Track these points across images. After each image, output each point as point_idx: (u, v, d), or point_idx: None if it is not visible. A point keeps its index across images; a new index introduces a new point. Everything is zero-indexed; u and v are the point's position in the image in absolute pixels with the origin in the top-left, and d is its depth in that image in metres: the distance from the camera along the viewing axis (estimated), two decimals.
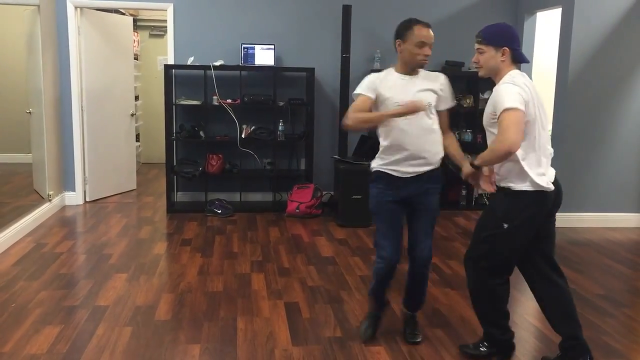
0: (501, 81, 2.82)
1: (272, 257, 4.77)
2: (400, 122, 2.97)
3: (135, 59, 8.61)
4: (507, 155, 2.65)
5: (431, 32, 3.03)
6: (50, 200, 5.94)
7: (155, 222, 5.86)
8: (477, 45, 2.87)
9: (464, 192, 6.70)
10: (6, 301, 3.70)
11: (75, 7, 6.19)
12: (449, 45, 6.66)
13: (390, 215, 3.08)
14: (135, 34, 8.83)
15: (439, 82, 3.10)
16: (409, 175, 3.03)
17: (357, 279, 4.27)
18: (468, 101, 6.51)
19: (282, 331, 3.37)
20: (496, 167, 2.83)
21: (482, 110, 6.69)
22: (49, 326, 3.35)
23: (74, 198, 6.45)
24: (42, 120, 5.77)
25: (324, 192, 6.34)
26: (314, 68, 6.25)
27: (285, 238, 5.32)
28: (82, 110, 6.39)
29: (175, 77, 6.36)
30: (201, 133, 6.28)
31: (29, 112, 5.74)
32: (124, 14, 7.83)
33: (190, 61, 6.21)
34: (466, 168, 2.89)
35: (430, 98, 3.03)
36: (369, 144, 6.27)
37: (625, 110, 5.90)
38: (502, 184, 2.84)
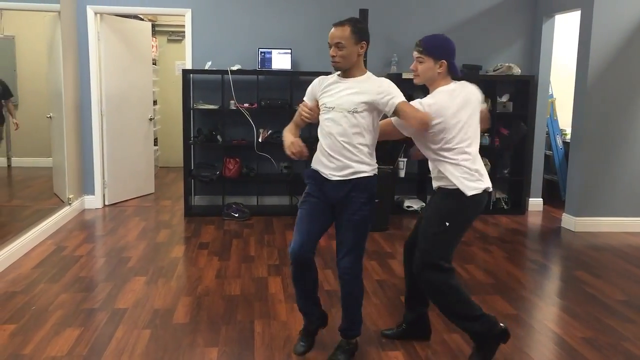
0: (437, 91, 2.95)
1: (288, 260, 4.75)
2: (323, 124, 2.93)
3: (154, 64, 8.69)
4: None
5: (338, 31, 2.82)
6: (70, 204, 6.01)
7: (173, 225, 5.90)
8: (416, 54, 2.94)
9: None
10: (27, 304, 3.75)
11: (95, 13, 6.27)
12: (467, 49, 6.64)
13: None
14: (154, 39, 8.92)
15: (377, 86, 2.86)
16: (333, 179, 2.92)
17: (374, 283, 4.26)
18: (486, 105, 6.46)
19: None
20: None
21: (500, 114, 6.66)
22: (69, 328, 3.39)
23: (93, 201, 6.52)
24: (62, 124, 5.85)
25: None
26: (329, 72, 6.24)
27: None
28: (101, 114, 6.47)
29: (193, 82, 6.41)
30: (218, 137, 6.32)
31: (50, 117, 5.82)
32: (142, 19, 7.91)
33: (207, 66, 6.26)
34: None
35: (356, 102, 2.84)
36: (387, 148, 6.25)
37: None
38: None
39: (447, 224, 2.91)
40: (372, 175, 2.95)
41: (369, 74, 2.93)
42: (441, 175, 2.96)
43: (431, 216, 3.02)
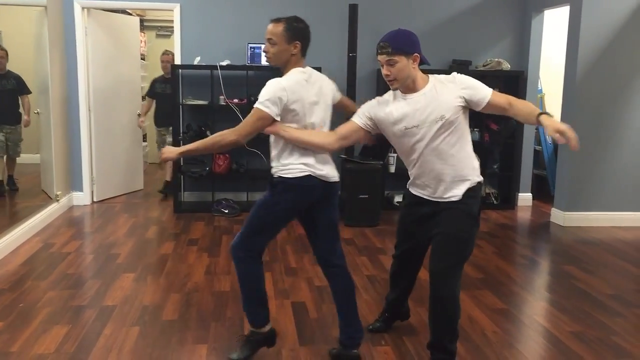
0: (448, 79, 2.76)
1: (279, 256, 4.77)
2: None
3: (142, 59, 8.63)
4: None
5: (271, 27, 2.83)
6: (58, 201, 5.96)
7: (163, 222, 5.86)
8: (386, 57, 2.68)
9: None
10: (14, 301, 3.71)
11: (83, 8, 6.21)
12: (456, 44, 6.66)
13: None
14: (142, 34, 8.85)
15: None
16: None
17: (365, 278, 4.26)
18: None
19: (289, 331, 3.36)
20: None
21: None
22: (57, 326, 3.36)
23: (81, 198, 6.47)
24: (49, 120, 5.79)
25: None
26: (320, 67, 6.21)
27: (292, 238, 5.31)
28: (89, 110, 6.41)
29: (182, 77, 6.37)
30: (208, 133, 6.28)
31: (37, 113, 5.76)
32: (130, 14, 7.85)
33: (196, 61, 6.22)
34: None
35: None
36: (376, 143, 6.25)
37: (634, 108, 5.86)
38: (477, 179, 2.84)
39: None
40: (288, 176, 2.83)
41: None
42: (459, 178, 2.78)
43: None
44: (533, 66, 6.69)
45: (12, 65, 5.37)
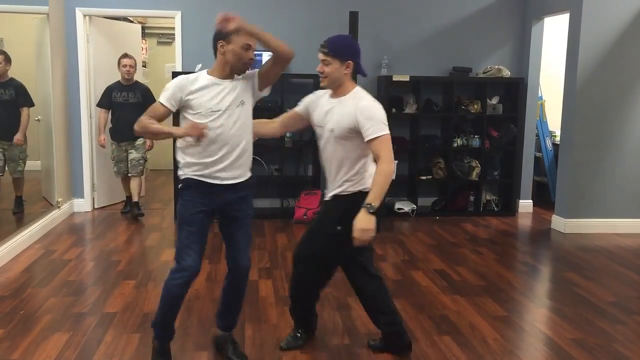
0: (361, 98, 2.89)
1: (279, 263, 4.77)
2: None
3: (144, 66, 8.66)
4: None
5: None
6: (59, 207, 5.97)
7: (163, 228, 5.87)
8: (322, 56, 2.89)
9: (471, 198, 6.68)
10: (15, 308, 3.71)
11: (84, 16, 6.24)
12: (457, 51, 6.68)
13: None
14: (144, 41, 8.88)
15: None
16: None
17: None
18: (476, 107, 6.49)
19: None
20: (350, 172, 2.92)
21: (490, 116, 6.64)
22: (58, 333, 3.36)
23: (82, 205, 6.48)
24: (51, 127, 5.81)
25: None
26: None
27: (292, 245, 5.31)
28: (90, 117, 6.43)
29: None
30: None
31: (38, 120, 5.77)
32: (132, 21, 7.88)
33: (198, 68, 6.23)
34: None
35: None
36: None
37: (634, 115, 5.87)
38: (357, 188, 2.91)
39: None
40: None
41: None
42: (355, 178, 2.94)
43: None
44: (533, 73, 6.70)
45: (13, 73, 5.34)
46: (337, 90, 2.93)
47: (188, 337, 3.35)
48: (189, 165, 2.88)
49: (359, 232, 2.72)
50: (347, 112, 2.85)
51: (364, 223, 2.71)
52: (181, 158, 2.91)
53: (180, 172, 2.94)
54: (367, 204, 2.71)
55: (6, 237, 4.77)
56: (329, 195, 3.02)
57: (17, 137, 5.15)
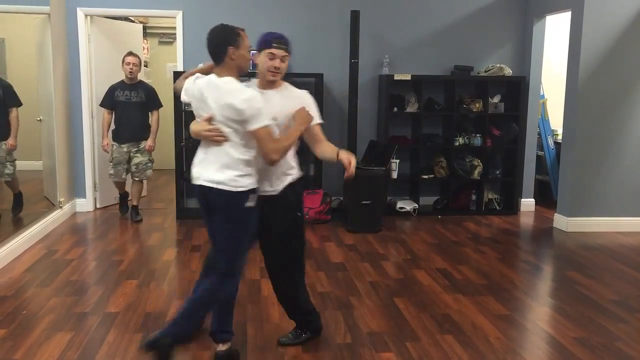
0: (292, 87, 3.08)
1: None
2: None
3: (145, 66, 8.65)
4: None
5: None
6: (61, 207, 5.97)
7: (165, 228, 5.87)
8: (283, 53, 2.93)
9: (473, 197, 6.67)
10: (17, 308, 3.72)
11: (86, 15, 6.24)
12: (458, 50, 6.66)
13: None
14: (145, 41, 8.88)
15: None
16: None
17: (367, 284, 4.25)
18: (477, 105, 6.48)
19: None
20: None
21: (492, 115, 6.61)
22: (60, 333, 3.36)
23: (84, 205, 6.48)
24: (52, 127, 5.81)
25: (333, 198, 6.33)
26: (322, 74, 6.26)
27: None
28: (92, 117, 6.43)
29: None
30: None
31: (40, 120, 5.78)
32: (133, 21, 7.88)
33: (199, 67, 6.22)
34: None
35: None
36: (379, 149, 6.26)
37: (636, 113, 5.86)
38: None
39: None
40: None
41: None
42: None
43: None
44: (535, 71, 6.69)
45: (14, 73, 5.34)
46: (275, 82, 2.99)
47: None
48: (251, 175, 2.85)
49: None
50: (297, 101, 2.98)
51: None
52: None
53: (248, 181, 2.80)
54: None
55: (8, 237, 4.77)
56: (278, 189, 2.99)
57: (10, 142, 5.01)
